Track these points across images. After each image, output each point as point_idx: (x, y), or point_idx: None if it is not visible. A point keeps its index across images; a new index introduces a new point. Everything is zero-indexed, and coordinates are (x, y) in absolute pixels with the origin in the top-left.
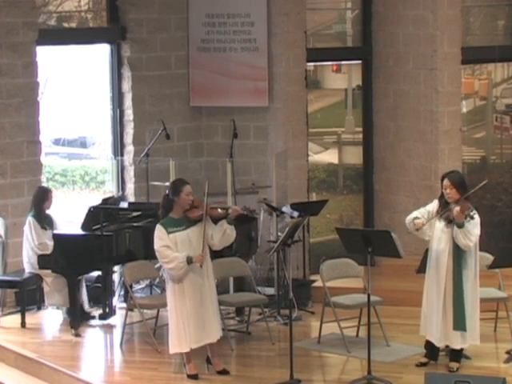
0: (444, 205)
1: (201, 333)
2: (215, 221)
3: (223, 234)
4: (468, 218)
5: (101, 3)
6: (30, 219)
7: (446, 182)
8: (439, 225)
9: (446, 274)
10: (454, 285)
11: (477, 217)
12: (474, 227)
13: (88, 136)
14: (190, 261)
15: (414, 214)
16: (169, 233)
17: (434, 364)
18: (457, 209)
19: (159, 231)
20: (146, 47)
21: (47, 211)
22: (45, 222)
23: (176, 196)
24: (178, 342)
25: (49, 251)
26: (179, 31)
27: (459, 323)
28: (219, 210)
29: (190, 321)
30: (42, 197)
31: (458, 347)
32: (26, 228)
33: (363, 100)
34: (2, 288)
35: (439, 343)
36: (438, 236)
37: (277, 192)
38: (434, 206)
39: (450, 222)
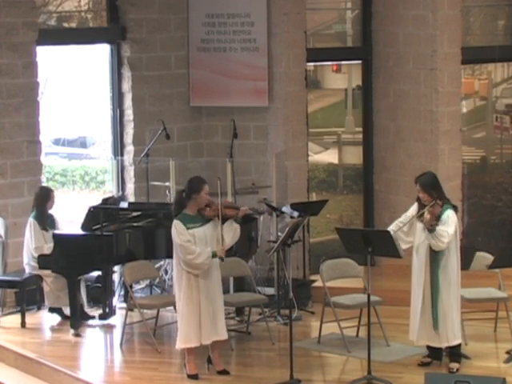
0: (421, 206)
1: (212, 329)
2: (224, 220)
3: (234, 233)
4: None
5: (101, 3)
6: (31, 220)
7: (417, 186)
8: (419, 225)
9: (425, 274)
10: (432, 283)
11: (452, 215)
12: (447, 227)
13: (88, 136)
14: (214, 255)
15: (390, 227)
16: (187, 228)
17: (438, 364)
18: (427, 217)
19: (178, 226)
20: (146, 47)
21: (50, 211)
22: (46, 222)
23: (196, 193)
24: (188, 336)
25: (43, 253)
26: (179, 31)
27: (436, 322)
28: (232, 210)
29: (202, 316)
30: (45, 197)
31: (441, 346)
32: (27, 229)
33: (363, 100)
34: (2, 288)
35: (418, 342)
36: (418, 236)
37: (277, 192)
38: (414, 209)
39: (422, 224)
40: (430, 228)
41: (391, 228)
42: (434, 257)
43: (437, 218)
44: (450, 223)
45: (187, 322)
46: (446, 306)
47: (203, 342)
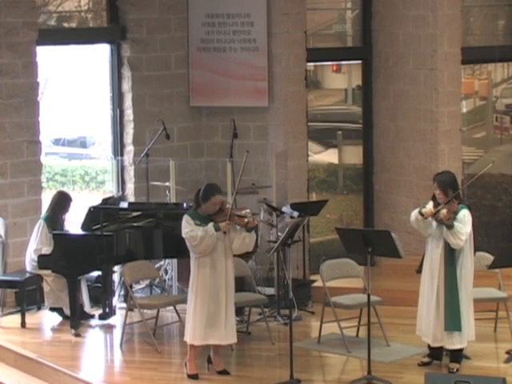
0: (436, 205)
1: (222, 331)
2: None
3: (242, 241)
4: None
5: (101, 3)
6: (41, 222)
7: (435, 185)
8: (433, 224)
9: (439, 274)
10: (447, 284)
11: (468, 214)
12: (464, 225)
13: (88, 136)
14: (217, 228)
15: (412, 217)
16: (195, 224)
17: (438, 364)
18: (444, 211)
19: (186, 219)
20: (146, 47)
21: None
22: (56, 227)
23: (203, 201)
24: (199, 334)
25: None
26: (179, 31)
27: (453, 324)
28: (241, 220)
29: (209, 317)
30: (62, 205)
31: (452, 347)
32: (34, 230)
33: (363, 100)
34: (1, 288)
35: (433, 343)
36: (432, 236)
37: (277, 192)
38: (429, 207)
39: (440, 222)
40: (448, 223)
41: (411, 219)
42: (451, 257)
43: (454, 214)
44: (466, 222)
45: (197, 319)
46: (464, 308)
47: (211, 341)
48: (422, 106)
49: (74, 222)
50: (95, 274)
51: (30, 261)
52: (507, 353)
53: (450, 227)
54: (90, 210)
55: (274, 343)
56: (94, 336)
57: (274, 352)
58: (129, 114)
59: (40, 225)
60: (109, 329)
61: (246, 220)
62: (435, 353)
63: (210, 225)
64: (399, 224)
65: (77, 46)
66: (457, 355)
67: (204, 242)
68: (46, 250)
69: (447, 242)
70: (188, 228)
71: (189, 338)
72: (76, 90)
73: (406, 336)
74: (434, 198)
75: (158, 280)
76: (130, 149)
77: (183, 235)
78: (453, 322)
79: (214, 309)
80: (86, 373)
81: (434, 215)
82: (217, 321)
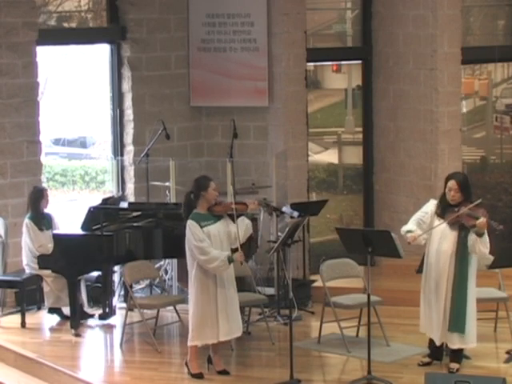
0: (445, 206)
1: (230, 326)
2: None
3: (245, 229)
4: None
5: (101, 3)
6: (26, 221)
7: (452, 183)
8: (439, 223)
9: (448, 275)
10: (457, 286)
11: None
12: (487, 234)
13: (88, 136)
14: (231, 260)
15: (409, 225)
16: (202, 227)
17: (438, 364)
18: (483, 220)
19: (193, 226)
20: (146, 47)
21: (45, 210)
22: (42, 222)
23: (204, 190)
24: (204, 334)
25: (49, 252)
26: (179, 31)
27: (458, 325)
28: (241, 205)
29: (219, 312)
30: (38, 196)
31: (455, 347)
32: (24, 231)
33: (363, 100)
34: (1, 288)
35: (438, 342)
36: (439, 236)
37: (277, 192)
38: (431, 207)
39: (453, 224)
40: (482, 232)
41: (410, 227)
42: (463, 261)
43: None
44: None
45: (202, 319)
46: (470, 308)
47: (221, 338)
48: (422, 106)
49: (74, 222)
50: (95, 273)
51: (28, 262)
52: (507, 353)
53: (482, 235)
54: (89, 210)
55: (274, 343)
56: (94, 336)
57: (274, 352)
58: (129, 114)
59: (27, 224)
60: (109, 329)
61: (247, 203)
62: (435, 353)
63: (224, 255)
64: (399, 224)
65: (77, 45)
66: (457, 355)
67: (215, 263)
68: (39, 247)
69: (459, 240)
70: (197, 236)
71: (191, 339)
72: (76, 90)
73: (406, 336)
74: (441, 199)
75: (157, 280)
76: (129, 149)
77: (194, 243)
78: (457, 322)
79: (230, 304)
80: (86, 373)
81: (449, 221)
82: (234, 314)
